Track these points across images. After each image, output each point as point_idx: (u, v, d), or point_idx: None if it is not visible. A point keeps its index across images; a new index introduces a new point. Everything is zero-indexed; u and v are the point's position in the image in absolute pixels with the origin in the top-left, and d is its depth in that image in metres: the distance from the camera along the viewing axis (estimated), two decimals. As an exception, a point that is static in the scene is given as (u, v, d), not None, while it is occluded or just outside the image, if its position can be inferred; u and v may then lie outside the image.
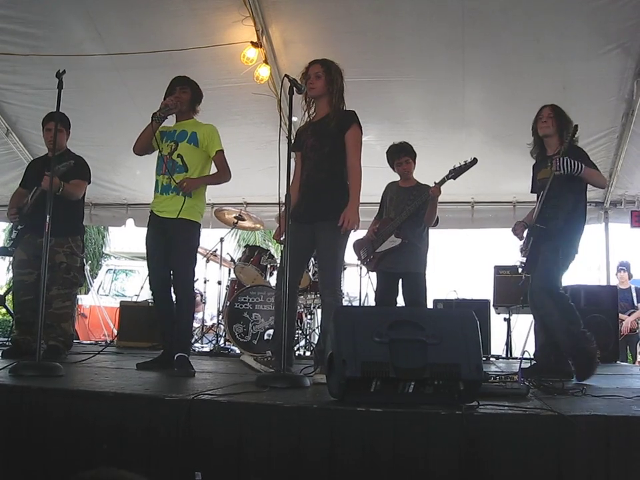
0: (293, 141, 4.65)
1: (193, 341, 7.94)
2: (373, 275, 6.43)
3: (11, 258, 6.27)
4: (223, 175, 5.10)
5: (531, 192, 5.48)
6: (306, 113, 4.74)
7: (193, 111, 5.18)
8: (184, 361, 4.72)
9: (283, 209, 4.27)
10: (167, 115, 4.99)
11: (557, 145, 5.09)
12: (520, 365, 3.73)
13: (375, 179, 6.06)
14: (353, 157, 4.48)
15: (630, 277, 10.11)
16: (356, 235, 5.02)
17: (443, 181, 5.79)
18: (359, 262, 6.68)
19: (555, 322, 4.84)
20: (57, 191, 5.26)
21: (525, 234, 5.18)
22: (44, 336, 5.30)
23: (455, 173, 5.80)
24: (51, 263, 5.31)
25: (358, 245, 6.24)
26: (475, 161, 5.75)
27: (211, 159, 5.08)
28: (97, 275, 15.91)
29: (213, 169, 5.18)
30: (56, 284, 5.53)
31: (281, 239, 5.01)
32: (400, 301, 6.17)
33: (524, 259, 5.15)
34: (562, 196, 4.91)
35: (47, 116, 5.69)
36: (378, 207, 6.35)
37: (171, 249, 4.93)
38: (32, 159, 9.28)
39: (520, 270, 5.28)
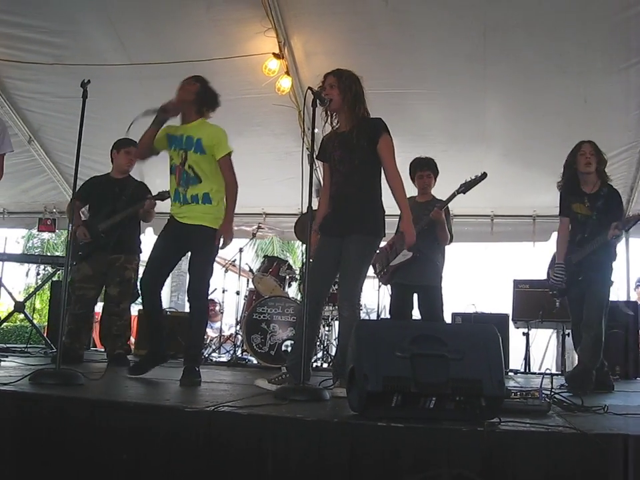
0: (318, 150, 4.64)
1: (210, 350, 7.98)
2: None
3: (35, 265, 6.64)
4: (233, 187, 4.94)
5: (561, 214, 5.58)
6: (327, 124, 4.66)
7: (199, 113, 4.91)
8: (190, 371, 4.64)
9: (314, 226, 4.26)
10: (164, 119, 4.83)
11: (595, 180, 5.27)
12: (541, 381, 3.70)
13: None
14: (391, 167, 4.41)
15: (649, 292, 10.04)
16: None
17: (451, 197, 5.82)
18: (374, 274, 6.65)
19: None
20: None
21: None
22: (111, 345, 6.16)
23: (465, 188, 5.81)
24: (121, 278, 6.04)
25: (375, 259, 6.20)
26: (484, 176, 5.77)
27: (217, 163, 4.88)
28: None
29: None
30: (127, 298, 6.02)
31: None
32: (415, 314, 6.15)
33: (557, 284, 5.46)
34: (602, 232, 5.11)
35: (126, 140, 6.07)
36: (396, 219, 6.33)
37: (190, 256, 4.90)
38: (53, 166, 9.39)
39: (555, 296, 5.59)
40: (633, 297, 9.30)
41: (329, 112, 4.56)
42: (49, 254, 18.35)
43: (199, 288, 4.85)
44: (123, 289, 6.04)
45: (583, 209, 5.25)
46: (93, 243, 6.01)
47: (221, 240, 4.90)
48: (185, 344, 4.97)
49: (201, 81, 4.98)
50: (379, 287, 8.01)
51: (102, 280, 6.10)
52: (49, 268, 8.26)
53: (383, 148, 4.40)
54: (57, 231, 10.94)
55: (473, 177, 5.79)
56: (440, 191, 6.19)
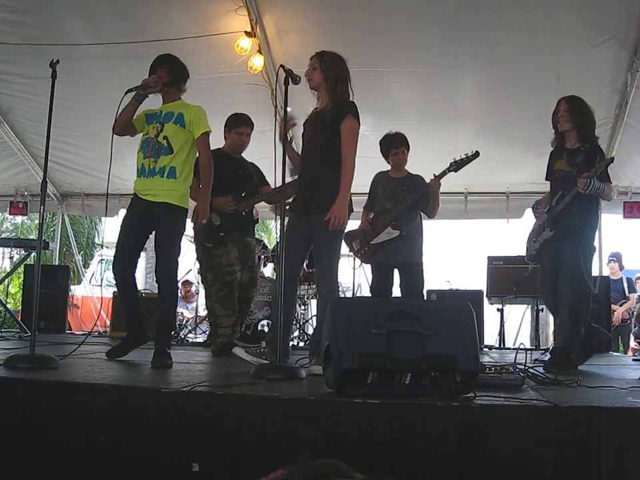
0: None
1: (187, 331, 7.96)
2: (367, 265, 6.40)
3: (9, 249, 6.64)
4: (209, 169, 4.89)
5: (546, 179, 5.45)
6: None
7: (178, 91, 4.92)
8: (161, 352, 4.51)
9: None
10: (147, 93, 4.80)
11: (576, 138, 5.10)
12: (516, 356, 3.73)
13: (368, 169, 6.06)
14: (346, 148, 4.41)
15: (621, 267, 10.16)
16: (349, 226, 4.98)
17: (443, 174, 5.82)
18: (351, 253, 6.64)
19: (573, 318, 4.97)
20: None
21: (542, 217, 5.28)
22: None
23: (457, 166, 5.83)
24: (252, 263, 6.16)
25: (350, 237, 6.16)
26: (476, 154, 5.80)
27: (195, 141, 4.82)
28: (89, 265, 15.85)
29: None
30: (254, 284, 6.22)
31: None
32: (395, 291, 6.17)
33: (531, 249, 5.30)
34: (576, 196, 4.96)
35: (239, 119, 6.11)
36: (365, 198, 6.32)
37: (156, 234, 4.80)
38: (23, 148, 9.25)
39: (526, 259, 5.45)
40: (606, 272, 9.40)
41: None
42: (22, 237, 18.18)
43: (168, 268, 4.76)
44: (253, 275, 6.10)
45: (562, 165, 5.11)
46: (233, 224, 5.83)
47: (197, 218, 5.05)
48: (156, 324, 4.84)
49: (171, 61, 4.94)
50: (354, 265, 8.00)
51: (242, 262, 5.98)
52: (23, 251, 8.16)
53: (344, 128, 4.41)
54: (28, 214, 10.81)
55: (464, 156, 5.81)
56: (413, 168, 6.19)
